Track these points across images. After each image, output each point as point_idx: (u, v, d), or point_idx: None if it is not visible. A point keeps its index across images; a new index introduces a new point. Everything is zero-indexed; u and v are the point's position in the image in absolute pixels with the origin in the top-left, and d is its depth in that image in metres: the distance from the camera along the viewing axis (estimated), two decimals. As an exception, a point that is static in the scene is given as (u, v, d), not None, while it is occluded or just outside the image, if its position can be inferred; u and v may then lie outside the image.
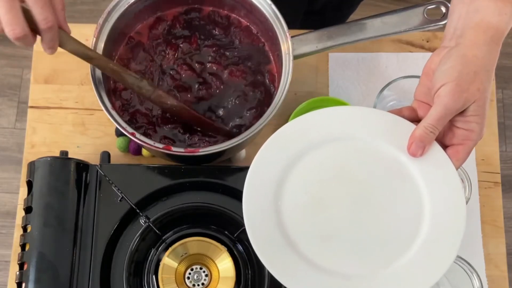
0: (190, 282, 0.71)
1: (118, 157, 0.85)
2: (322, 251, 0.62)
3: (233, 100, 0.76)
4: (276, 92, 0.72)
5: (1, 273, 1.55)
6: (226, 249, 0.71)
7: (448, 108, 0.59)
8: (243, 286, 0.71)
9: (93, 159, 0.79)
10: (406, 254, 0.62)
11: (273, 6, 0.73)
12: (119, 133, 0.85)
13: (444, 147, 0.63)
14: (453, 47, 0.61)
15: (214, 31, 0.79)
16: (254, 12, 0.76)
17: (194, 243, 0.71)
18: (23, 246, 0.70)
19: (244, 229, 0.71)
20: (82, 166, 0.74)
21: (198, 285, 0.71)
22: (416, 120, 0.65)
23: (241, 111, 0.76)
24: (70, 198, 0.72)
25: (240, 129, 0.75)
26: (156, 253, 0.72)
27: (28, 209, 0.71)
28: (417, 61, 0.90)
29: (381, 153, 0.64)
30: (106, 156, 0.77)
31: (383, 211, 0.63)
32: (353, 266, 0.61)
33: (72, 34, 0.65)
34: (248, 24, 0.79)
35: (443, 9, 0.74)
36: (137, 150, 0.84)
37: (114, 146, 0.85)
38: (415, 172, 0.63)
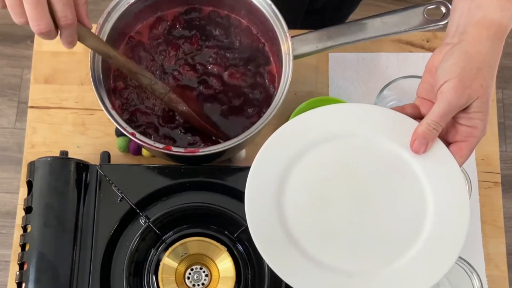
0: (190, 282, 0.71)
1: (118, 157, 0.85)
2: (324, 249, 0.62)
3: (233, 101, 0.76)
4: (276, 93, 0.72)
5: (1, 273, 1.55)
6: (226, 249, 0.71)
7: (451, 105, 0.59)
8: (243, 286, 0.71)
9: (93, 159, 0.79)
10: (409, 252, 0.61)
11: (273, 6, 0.73)
12: (119, 133, 0.85)
13: (447, 144, 0.63)
14: (456, 44, 0.60)
15: (214, 31, 0.79)
16: (254, 12, 0.76)
17: (194, 243, 0.71)
18: (23, 246, 0.70)
19: (244, 229, 0.71)
20: (82, 166, 0.74)
21: (198, 285, 0.71)
22: (418, 117, 0.64)
23: (241, 111, 0.76)
24: (70, 198, 0.72)
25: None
26: (156, 253, 0.72)
27: (28, 209, 0.71)
28: (417, 61, 0.90)
29: (383, 150, 0.64)
30: (106, 156, 0.77)
31: (385, 209, 0.63)
32: (355, 264, 0.61)
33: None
34: (248, 24, 0.79)
35: (443, 9, 0.74)
36: (137, 150, 0.84)
37: (114, 146, 0.85)
38: (417, 169, 0.63)
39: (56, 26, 0.60)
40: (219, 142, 0.72)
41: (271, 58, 0.78)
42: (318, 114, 0.65)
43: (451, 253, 0.61)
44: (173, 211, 0.73)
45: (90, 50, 0.70)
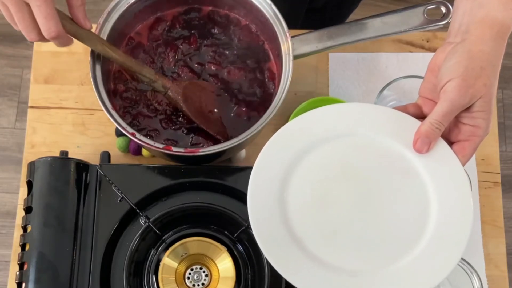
0: (190, 282, 0.71)
1: (118, 157, 0.85)
2: (326, 248, 0.62)
3: (234, 100, 0.76)
4: (276, 92, 0.72)
5: (1, 273, 1.55)
6: (226, 249, 0.71)
7: (454, 104, 0.58)
8: (243, 286, 0.71)
9: (93, 159, 0.79)
10: (412, 252, 0.61)
11: (273, 6, 0.73)
12: (119, 133, 0.85)
13: (450, 143, 0.63)
14: (459, 43, 0.60)
15: (213, 29, 0.79)
16: (254, 12, 0.76)
17: (194, 243, 0.71)
18: (23, 246, 0.70)
19: (244, 229, 0.71)
20: (82, 166, 0.74)
21: (198, 285, 0.71)
22: (421, 117, 0.64)
23: (241, 111, 0.76)
24: (70, 198, 0.72)
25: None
26: (156, 253, 0.72)
27: (28, 209, 0.71)
28: (417, 61, 0.90)
29: (385, 149, 0.64)
30: (106, 156, 0.77)
31: (388, 208, 0.63)
32: (358, 263, 0.61)
33: (72, 34, 0.65)
34: (247, 23, 0.79)
35: (443, 9, 0.74)
36: (137, 150, 0.84)
37: (114, 146, 0.85)
38: (420, 168, 0.63)
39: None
40: (220, 142, 0.72)
41: (271, 55, 0.78)
42: (319, 114, 0.65)
43: (454, 253, 0.60)
44: (173, 211, 0.73)
45: (90, 50, 0.70)
